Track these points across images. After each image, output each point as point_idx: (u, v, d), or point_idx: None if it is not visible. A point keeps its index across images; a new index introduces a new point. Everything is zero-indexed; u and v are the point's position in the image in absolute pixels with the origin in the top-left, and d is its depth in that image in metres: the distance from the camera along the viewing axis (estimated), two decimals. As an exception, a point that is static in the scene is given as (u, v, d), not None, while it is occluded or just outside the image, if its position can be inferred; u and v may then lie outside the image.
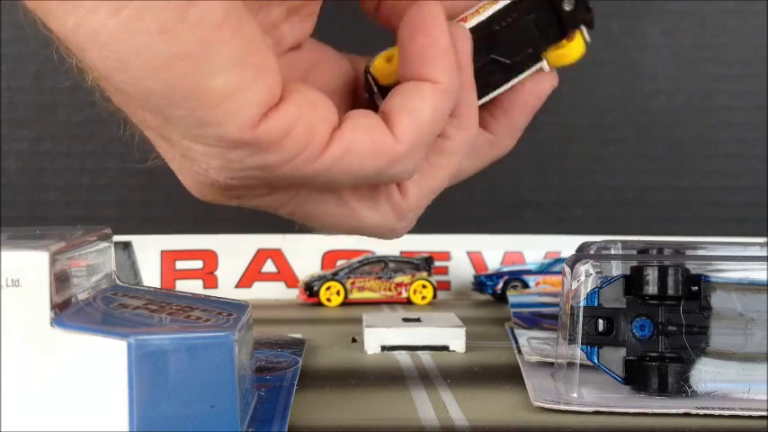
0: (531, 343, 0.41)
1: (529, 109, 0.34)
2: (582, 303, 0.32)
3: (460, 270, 0.64)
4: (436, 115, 0.29)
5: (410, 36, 0.29)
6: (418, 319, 0.44)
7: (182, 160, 0.28)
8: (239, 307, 0.30)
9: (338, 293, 0.59)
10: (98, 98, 0.29)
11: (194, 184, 0.29)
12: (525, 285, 0.60)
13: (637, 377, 0.32)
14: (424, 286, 0.60)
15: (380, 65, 0.32)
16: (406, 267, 0.60)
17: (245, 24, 0.25)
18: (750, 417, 0.30)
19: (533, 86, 0.34)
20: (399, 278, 0.60)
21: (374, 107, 0.30)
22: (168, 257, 0.62)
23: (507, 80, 0.33)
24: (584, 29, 0.33)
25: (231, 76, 0.24)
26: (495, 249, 0.64)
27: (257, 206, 0.30)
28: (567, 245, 0.62)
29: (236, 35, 0.24)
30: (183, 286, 0.61)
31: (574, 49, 0.33)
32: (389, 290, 0.60)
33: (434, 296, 0.60)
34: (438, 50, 0.29)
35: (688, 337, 0.32)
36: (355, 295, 0.59)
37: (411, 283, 0.60)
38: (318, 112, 0.27)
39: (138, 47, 0.23)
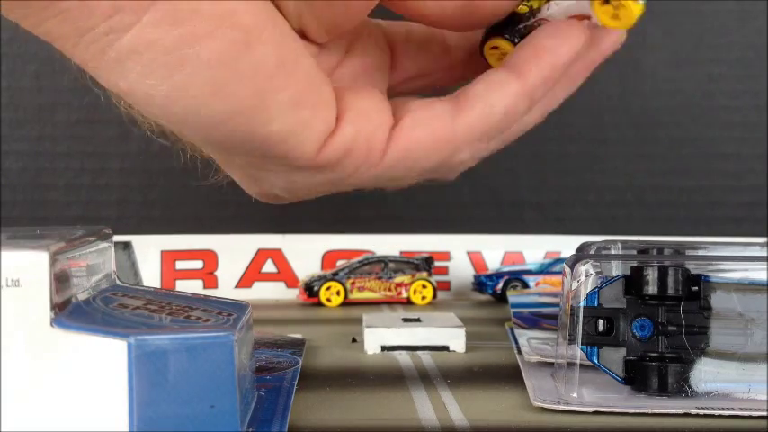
0: (531, 343, 0.41)
1: (588, 63, 0.32)
2: (582, 303, 0.32)
3: (460, 270, 0.64)
4: (508, 115, 0.28)
5: (542, 35, 0.29)
6: (418, 319, 0.44)
7: (247, 179, 0.28)
8: (239, 307, 0.30)
9: (338, 293, 0.59)
10: (151, 134, 0.29)
11: (261, 197, 0.29)
12: (525, 285, 0.60)
13: (637, 377, 0.32)
14: (424, 286, 0.60)
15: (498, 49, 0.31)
16: (406, 267, 0.60)
17: (299, 64, 0.24)
18: (750, 417, 0.30)
19: (596, 42, 0.31)
20: (399, 278, 0.60)
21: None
22: (168, 257, 0.62)
23: None
24: None
25: (287, 120, 0.24)
26: (495, 249, 0.64)
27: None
28: (567, 245, 0.62)
29: (290, 79, 0.24)
30: (183, 286, 0.61)
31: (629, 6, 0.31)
32: (389, 290, 0.60)
33: (434, 296, 0.60)
34: (552, 60, 0.28)
35: (688, 337, 0.32)
36: (355, 295, 0.59)
37: (411, 283, 0.60)
38: (373, 122, 0.26)
39: (195, 108, 0.23)
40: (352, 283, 0.59)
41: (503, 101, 0.28)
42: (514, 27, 0.30)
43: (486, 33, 0.32)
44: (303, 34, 0.29)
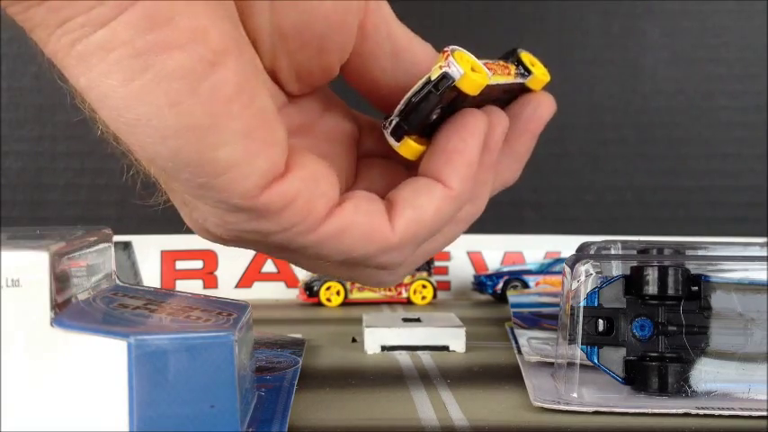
0: (531, 343, 0.41)
1: (529, 135, 0.34)
2: (582, 303, 0.32)
3: (460, 270, 0.64)
4: (438, 218, 0.29)
5: (447, 135, 0.30)
6: (418, 319, 0.44)
7: (182, 206, 0.28)
8: (239, 307, 0.30)
9: (338, 293, 0.59)
10: (109, 138, 0.29)
11: (193, 226, 0.29)
12: (525, 285, 0.60)
13: (637, 377, 0.32)
14: (424, 286, 0.60)
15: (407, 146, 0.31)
16: (406, 267, 0.60)
17: (257, 96, 0.25)
18: (750, 417, 0.30)
19: (532, 112, 0.34)
20: (399, 278, 0.60)
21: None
22: (168, 257, 0.62)
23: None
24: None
25: (236, 148, 0.24)
26: (495, 249, 0.64)
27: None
28: (567, 245, 0.62)
29: (246, 109, 0.24)
30: (183, 286, 0.61)
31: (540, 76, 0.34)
32: (389, 290, 0.60)
33: (434, 296, 0.60)
34: (464, 159, 0.29)
35: (688, 337, 0.32)
36: (355, 295, 0.59)
37: (411, 283, 0.60)
38: (320, 188, 0.27)
39: (148, 116, 0.23)
40: (352, 283, 0.59)
41: (431, 204, 0.29)
42: (422, 119, 0.30)
43: (395, 127, 0.30)
44: (276, 78, 0.30)
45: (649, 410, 0.31)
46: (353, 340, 0.44)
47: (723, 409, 0.30)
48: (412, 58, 0.30)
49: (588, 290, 0.33)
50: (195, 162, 0.24)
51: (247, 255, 0.63)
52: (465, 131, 0.30)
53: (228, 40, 0.24)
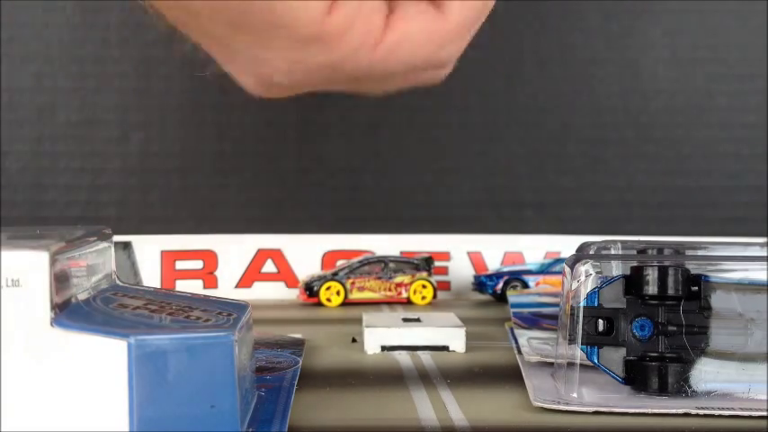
0: (531, 343, 0.41)
1: None
2: (582, 303, 0.32)
3: (460, 270, 0.64)
4: (486, 6, 0.30)
5: None
6: (418, 319, 0.44)
7: (246, 65, 0.28)
8: (239, 307, 0.30)
9: (338, 293, 0.59)
10: (153, 19, 0.29)
11: (257, 86, 0.29)
12: (525, 285, 0.60)
13: (637, 377, 0.32)
14: (424, 286, 0.60)
15: None
16: (406, 267, 0.60)
17: None
18: (750, 417, 0.30)
19: None
20: (399, 278, 0.60)
21: None
22: (168, 257, 0.62)
23: None
24: None
25: None
26: (495, 249, 0.64)
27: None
28: (566, 245, 0.62)
29: None
30: (183, 286, 0.61)
31: None
32: (389, 290, 0.60)
33: (434, 296, 0.60)
34: None
35: (688, 337, 0.32)
36: (355, 295, 0.59)
37: (411, 283, 0.60)
38: (373, 4, 0.27)
39: None
40: (352, 283, 0.59)
41: None
42: None
43: None
44: None
45: (649, 410, 0.31)
46: (353, 340, 0.44)
47: (723, 409, 0.30)
48: None
49: (588, 290, 0.33)
50: (260, 7, 0.25)
51: (247, 255, 0.63)
52: None
53: None
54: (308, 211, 0.68)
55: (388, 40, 0.27)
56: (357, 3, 0.27)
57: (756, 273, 0.33)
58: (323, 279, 0.59)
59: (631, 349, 0.32)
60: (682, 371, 0.32)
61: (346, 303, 0.59)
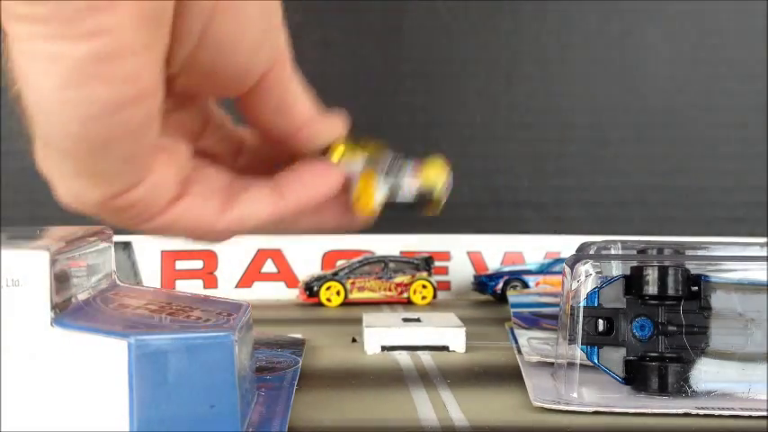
0: (531, 343, 0.41)
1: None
2: (582, 303, 0.32)
3: (460, 270, 0.64)
4: (260, 224, 0.32)
5: (311, 170, 0.32)
6: (418, 319, 0.44)
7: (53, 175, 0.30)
8: (239, 307, 0.30)
9: (338, 293, 0.59)
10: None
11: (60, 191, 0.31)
12: (525, 285, 0.60)
13: (637, 377, 0.32)
14: (424, 286, 0.60)
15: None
16: (406, 267, 0.60)
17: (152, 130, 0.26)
18: (750, 417, 0.30)
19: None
20: (399, 278, 0.60)
21: None
22: (168, 257, 0.62)
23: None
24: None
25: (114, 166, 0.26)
26: (495, 249, 0.64)
27: None
28: (567, 245, 0.62)
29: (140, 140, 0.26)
30: (183, 286, 0.61)
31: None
32: (389, 290, 0.60)
33: (434, 296, 0.60)
34: (312, 192, 0.32)
35: (688, 337, 0.32)
36: (355, 295, 0.59)
37: (411, 283, 0.60)
38: (162, 192, 0.29)
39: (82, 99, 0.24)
40: (352, 283, 0.59)
41: (260, 213, 0.31)
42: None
43: None
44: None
45: (649, 410, 0.31)
46: (353, 340, 0.44)
47: (723, 409, 0.30)
48: (289, 120, 0.32)
49: (588, 290, 0.33)
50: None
51: (247, 255, 0.63)
52: (324, 176, 0.32)
53: (157, 82, 0.25)
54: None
55: (162, 220, 0.29)
56: (148, 191, 0.28)
57: (756, 273, 0.33)
58: (323, 279, 0.59)
59: (631, 349, 0.32)
60: (682, 371, 0.32)
61: (346, 303, 0.59)
